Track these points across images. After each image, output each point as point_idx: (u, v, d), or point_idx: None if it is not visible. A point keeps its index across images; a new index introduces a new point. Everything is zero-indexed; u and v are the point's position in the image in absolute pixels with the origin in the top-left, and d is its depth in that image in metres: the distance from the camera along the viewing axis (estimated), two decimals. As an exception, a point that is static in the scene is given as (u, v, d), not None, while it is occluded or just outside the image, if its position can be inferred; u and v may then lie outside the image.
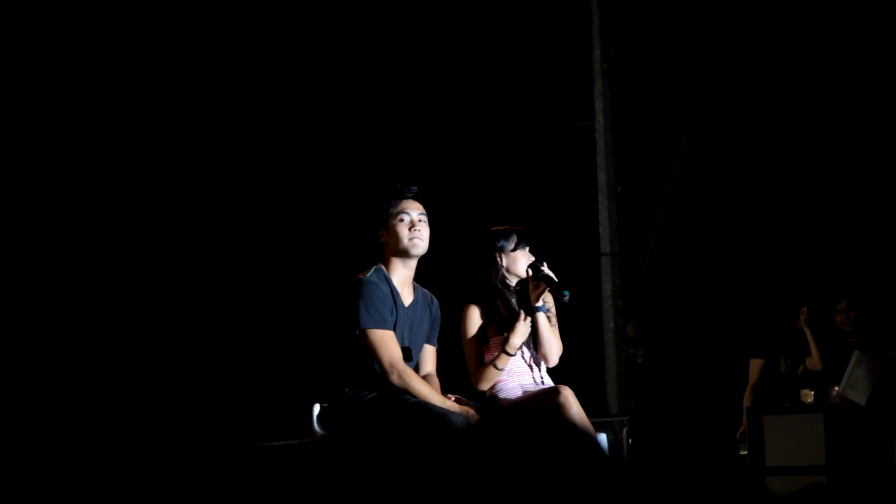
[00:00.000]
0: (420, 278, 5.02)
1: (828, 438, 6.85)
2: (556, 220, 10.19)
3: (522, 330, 5.08)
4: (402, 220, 4.79)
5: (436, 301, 5.01)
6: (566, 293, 5.03)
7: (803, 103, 10.14)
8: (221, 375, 9.21)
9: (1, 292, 8.51)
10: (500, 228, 5.32)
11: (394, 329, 4.72)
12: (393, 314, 4.71)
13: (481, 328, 5.19)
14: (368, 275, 4.74)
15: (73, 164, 8.95)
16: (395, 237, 4.79)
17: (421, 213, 4.83)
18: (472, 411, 4.65)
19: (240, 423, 8.41)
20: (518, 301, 5.28)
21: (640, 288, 10.47)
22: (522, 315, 5.06)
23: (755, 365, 7.98)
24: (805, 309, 7.83)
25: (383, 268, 4.81)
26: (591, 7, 10.88)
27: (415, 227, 4.78)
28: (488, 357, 5.16)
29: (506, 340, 5.08)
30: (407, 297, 4.83)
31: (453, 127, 10.56)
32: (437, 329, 5.01)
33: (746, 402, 7.91)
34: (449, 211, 5.02)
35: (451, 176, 10.09)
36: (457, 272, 5.28)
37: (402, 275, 4.81)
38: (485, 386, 5.12)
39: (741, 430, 7.46)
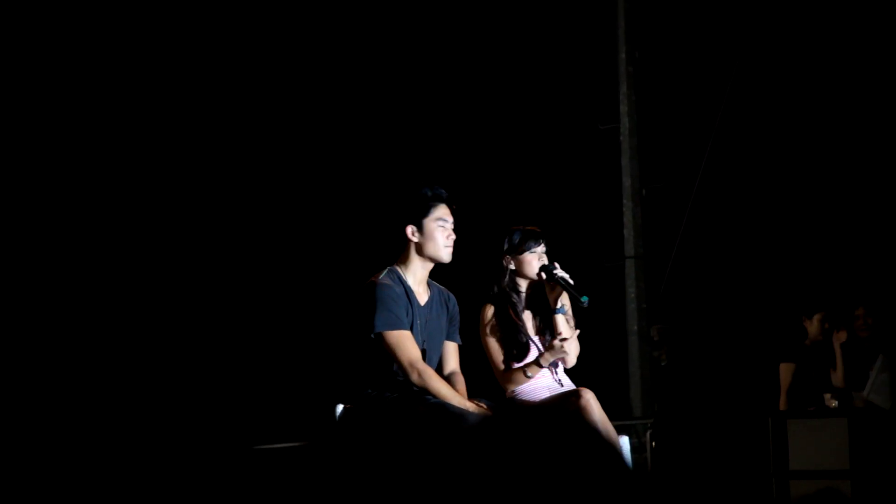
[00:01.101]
0: (445, 280, 5.03)
1: (852, 443, 6.83)
2: (580, 223, 10.19)
3: (558, 353, 5.12)
4: (441, 226, 4.81)
5: (452, 297, 5.02)
6: (585, 298, 5.01)
7: (829, 107, 10.10)
8: (242, 376, 9.24)
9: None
10: (514, 229, 5.32)
11: (410, 329, 4.73)
12: (409, 314, 4.72)
13: (493, 330, 5.22)
14: (381, 277, 4.75)
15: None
16: (432, 241, 4.79)
17: (453, 223, 4.86)
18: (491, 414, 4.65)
19: (259, 424, 8.43)
20: (529, 304, 5.28)
21: (665, 291, 10.45)
22: (558, 340, 5.10)
23: (786, 369, 7.97)
24: (843, 332, 7.81)
25: (397, 269, 4.80)
26: (617, 10, 10.87)
27: (450, 236, 4.82)
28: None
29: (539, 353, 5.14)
30: (423, 295, 4.84)
31: (477, 129, 10.57)
32: (457, 325, 5.02)
33: (782, 406, 7.90)
34: (473, 212, 5.02)
35: (475, 178, 10.10)
36: (476, 273, 5.29)
37: (419, 275, 4.82)
38: (512, 388, 5.16)
39: None
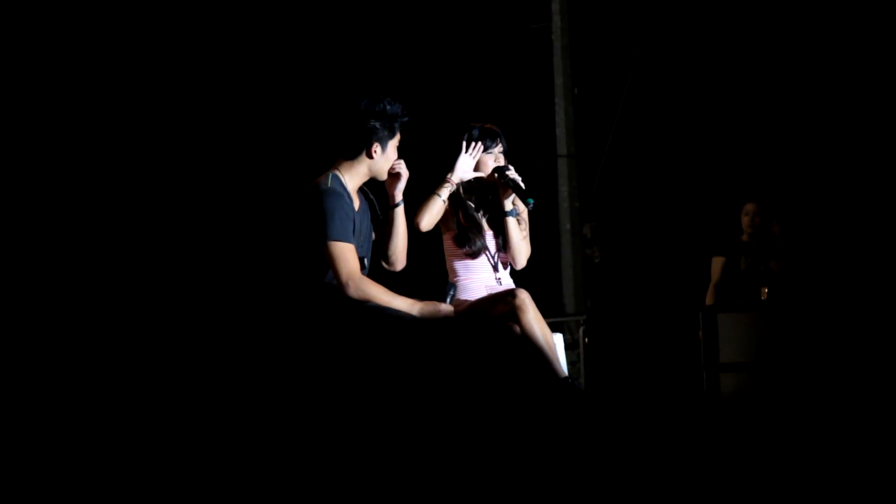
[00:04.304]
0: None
1: (780, 336, 6.96)
2: (512, 122, 10.18)
3: (466, 162, 5.15)
4: (396, 150, 4.79)
5: (367, 191, 4.99)
6: (531, 201, 5.10)
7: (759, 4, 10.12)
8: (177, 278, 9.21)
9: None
10: (472, 126, 5.31)
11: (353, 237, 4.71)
12: (353, 226, 4.71)
13: (443, 218, 5.22)
14: (330, 184, 4.69)
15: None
16: (386, 162, 4.76)
17: None
18: (441, 306, 4.66)
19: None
20: (480, 203, 5.30)
21: (597, 189, 10.53)
22: (464, 146, 5.13)
23: (717, 263, 8.06)
24: (776, 223, 7.92)
25: (339, 175, 4.76)
26: None
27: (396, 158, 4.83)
28: (446, 242, 5.24)
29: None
30: (356, 201, 4.82)
31: (409, 28, 10.48)
32: (375, 216, 5.00)
33: (709, 300, 8.01)
34: (407, 110, 4.94)
35: (408, 76, 10.04)
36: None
37: (357, 184, 4.80)
38: (425, 219, 5.09)
39: None
